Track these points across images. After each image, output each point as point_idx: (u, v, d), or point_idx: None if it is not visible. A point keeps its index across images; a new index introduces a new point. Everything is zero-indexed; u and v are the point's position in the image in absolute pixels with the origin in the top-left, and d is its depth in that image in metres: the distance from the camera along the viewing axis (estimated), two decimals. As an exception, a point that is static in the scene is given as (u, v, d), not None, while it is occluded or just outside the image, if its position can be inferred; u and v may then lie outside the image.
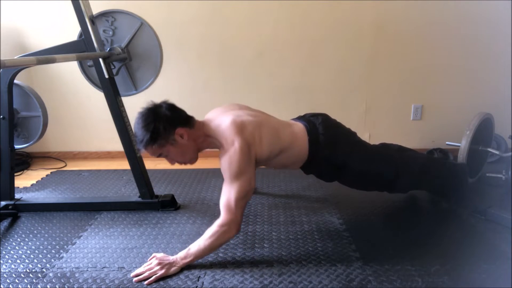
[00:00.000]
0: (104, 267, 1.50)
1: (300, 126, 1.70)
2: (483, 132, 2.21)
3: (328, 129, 1.70)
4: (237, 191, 1.44)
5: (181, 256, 1.47)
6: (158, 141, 1.44)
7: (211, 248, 1.47)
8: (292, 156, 1.66)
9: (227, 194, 1.45)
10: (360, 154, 1.73)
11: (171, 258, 1.47)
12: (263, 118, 1.63)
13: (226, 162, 1.45)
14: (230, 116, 1.53)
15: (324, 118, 1.76)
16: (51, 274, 1.46)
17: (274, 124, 1.64)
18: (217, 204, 2.05)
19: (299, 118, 1.79)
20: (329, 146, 1.66)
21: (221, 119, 1.55)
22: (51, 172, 2.69)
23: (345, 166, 1.70)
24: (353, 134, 1.82)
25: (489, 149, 2.27)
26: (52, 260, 1.56)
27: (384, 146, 1.93)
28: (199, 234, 1.74)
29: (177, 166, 1.61)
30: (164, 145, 1.46)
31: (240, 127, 1.48)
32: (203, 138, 1.55)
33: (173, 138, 1.46)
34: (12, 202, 2.00)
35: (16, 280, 1.43)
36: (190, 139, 1.50)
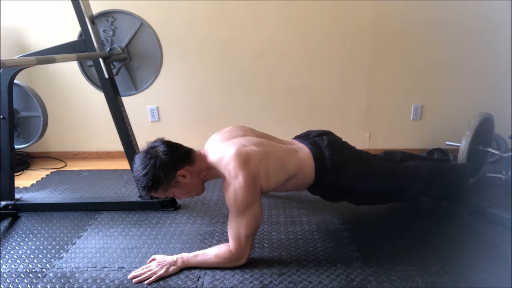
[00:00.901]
0: (104, 267, 1.50)
1: (306, 152, 1.63)
2: (483, 132, 2.20)
3: (334, 153, 1.64)
4: (245, 227, 1.43)
5: (184, 260, 1.47)
6: (161, 187, 1.41)
7: (216, 266, 1.48)
8: (298, 182, 1.62)
9: (236, 228, 1.44)
10: (364, 177, 1.67)
11: (170, 258, 1.48)
12: (268, 147, 1.54)
13: (232, 197, 1.41)
14: (234, 146, 1.46)
15: (330, 140, 1.69)
16: (51, 274, 1.46)
17: (280, 153, 1.56)
18: (217, 204, 2.07)
19: (303, 138, 1.74)
20: (335, 171, 1.62)
21: (224, 149, 1.47)
22: (51, 172, 2.69)
23: (350, 190, 1.67)
24: (358, 154, 1.77)
25: (489, 149, 2.26)
26: (52, 260, 1.56)
27: (387, 157, 1.91)
28: (199, 234, 1.75)
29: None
30: (167, 189, 1.43)
31: (245, 160, 1.41)
32: (206, 171, 1.51)
33: (175, 181, 1.43)
34: (12, 202, 2.00)
35: (16, 280, 1.43)
36: (193, 176, 1.47)
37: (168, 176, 1.40)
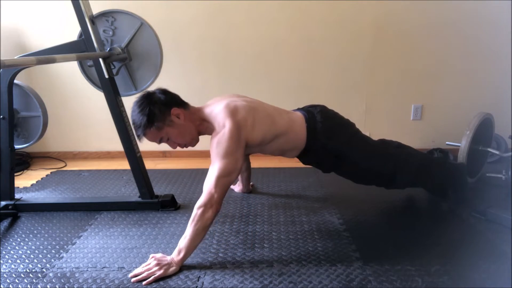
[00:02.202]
0: (104, 267, 1.50)
1: (298, 114, 1.73)
2: (483, 132, 2.21)
3: (326, 117, 1.72)
4: (219, 169, 1.43)
5: (174, 254, 1.46)
6: (155, 123, 1.48)
7: (196, 234, 1.42)
8: (289, 142, 1.69)
9: (209, 175, 1.45)
10: (358, 146, 1.74)
11: (169, 258, 1.47)
12: (258, 103, 1.67)
13: (215, 143, 1.47)
14: (224, 101, 1.57)
15: (322, 108, 1.80)
16: (51, 274, 1.46)
17: (269, 111, 1.67)
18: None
19: (298, 109, 1.84)
20: (327, 134, 1.68)
21: (216, 104, 1.59)
22: (51, 172, 2.69)
23: (342, 157, 1.71)
24: (352, 125, 1.84)
25: (489, 149, 2.26)
26: (52, 260, 1.56)
27: (383, 142, 1.93)
28: (199, 234, 1.75)
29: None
30: (162, 127, 1.50)
31: (232, 111, 1.51)
32: (199, 122, 1.59)
33: (169, 119, 1.50)
34: (12, 202, 2.00)
35: (16, 280, 1.43)
36: (187, 120, 1.54)
37: (163, 113, 1.48)
